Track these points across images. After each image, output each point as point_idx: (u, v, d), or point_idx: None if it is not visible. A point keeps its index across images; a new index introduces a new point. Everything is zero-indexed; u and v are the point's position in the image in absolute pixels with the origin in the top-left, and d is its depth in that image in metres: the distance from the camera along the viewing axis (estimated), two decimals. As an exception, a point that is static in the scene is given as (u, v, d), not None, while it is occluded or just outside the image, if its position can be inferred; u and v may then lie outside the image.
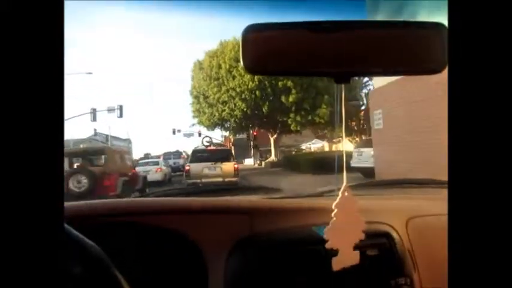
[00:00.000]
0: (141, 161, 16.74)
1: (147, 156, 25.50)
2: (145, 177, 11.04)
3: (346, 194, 0.66)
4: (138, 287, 0.52)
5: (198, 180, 10.24)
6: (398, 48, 0.57)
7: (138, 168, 13.76)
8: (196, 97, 23.38)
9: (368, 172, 12.08)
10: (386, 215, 0.91)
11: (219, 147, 12.19)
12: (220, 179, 10.39)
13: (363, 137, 20.17)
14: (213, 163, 10.94)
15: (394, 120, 9.81)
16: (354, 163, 13.00)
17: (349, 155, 15.01)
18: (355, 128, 20.90)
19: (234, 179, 10.60)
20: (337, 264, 0.67)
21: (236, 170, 11.02)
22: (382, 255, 0.81)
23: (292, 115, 20.45)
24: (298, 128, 21.31)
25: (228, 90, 20.47)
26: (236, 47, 20.22)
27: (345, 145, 23.13)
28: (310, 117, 20.34)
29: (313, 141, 28.02)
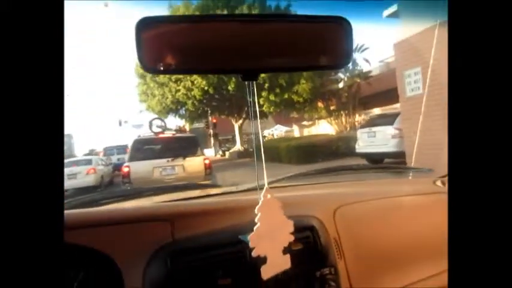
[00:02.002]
0: (65, 161, 12.20)
1: (91, 152, 21.81)
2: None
3: (268, 196, 0.64)
4: None
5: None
6: (304, 43, 0.58)
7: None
8: (142, 76, 18.79)
9: (379, 159, 8.96)
10: (313, 207, 0.94)
11: (177, 134, 7.86)
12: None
13: (344, 117, 17.42)
14: (170, 159, 6.67)
15: (440, 82, 6.65)
16: (362, 148, 9.75)
17: (348, 139, 12.59)
18: (335, 107, 17.99)
19: (205, 182, 6.62)
20: (267, 271, 0.65)
21: (208, 167, 6.83)
22: (306, 249, 0.82)
23: (264, 93, 16.64)
24: (272, 110, 17.61)
25: (182, 65, 16.19)
26: (191, 9, 16.16)
27: (324, 127, 20.47)
28: (286, 96, 16.78)
29: (276, 127, 25.44)
